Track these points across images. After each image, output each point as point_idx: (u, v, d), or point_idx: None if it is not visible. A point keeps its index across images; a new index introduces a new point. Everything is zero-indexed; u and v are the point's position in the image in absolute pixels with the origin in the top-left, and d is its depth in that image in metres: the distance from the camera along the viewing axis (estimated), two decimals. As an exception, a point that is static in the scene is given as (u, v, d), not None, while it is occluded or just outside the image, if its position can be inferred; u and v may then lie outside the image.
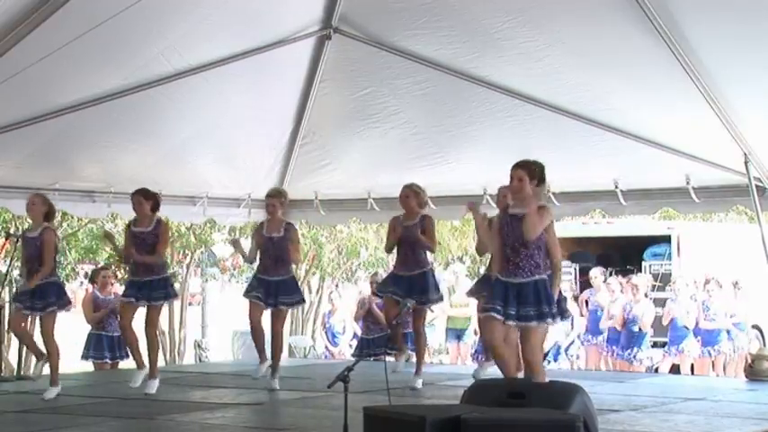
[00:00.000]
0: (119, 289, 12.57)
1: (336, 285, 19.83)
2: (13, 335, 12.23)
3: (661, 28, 8.47)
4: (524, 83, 10.08)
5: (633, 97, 9.71)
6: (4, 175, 10.60)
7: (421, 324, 9.88)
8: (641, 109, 9.85)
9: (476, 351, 13.87)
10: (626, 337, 13.51)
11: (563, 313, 8.14)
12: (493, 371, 8.68)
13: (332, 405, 7.91)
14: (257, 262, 9.89)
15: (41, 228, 9.24)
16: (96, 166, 11.28)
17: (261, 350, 9.86)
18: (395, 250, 9.75)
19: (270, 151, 12.15)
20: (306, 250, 19.88)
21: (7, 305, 13.47)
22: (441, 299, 10.11)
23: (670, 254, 16.79)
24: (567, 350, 14.13)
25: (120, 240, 10.19)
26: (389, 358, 11.88)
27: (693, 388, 10.00)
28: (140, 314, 9.61)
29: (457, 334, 15.00)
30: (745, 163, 9.89)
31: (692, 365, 13.90)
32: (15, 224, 15.50)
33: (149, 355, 9.57)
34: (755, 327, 16.11)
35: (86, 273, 16.23)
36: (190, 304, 22.19)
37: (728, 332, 13.93)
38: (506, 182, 7.75)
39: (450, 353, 15.78)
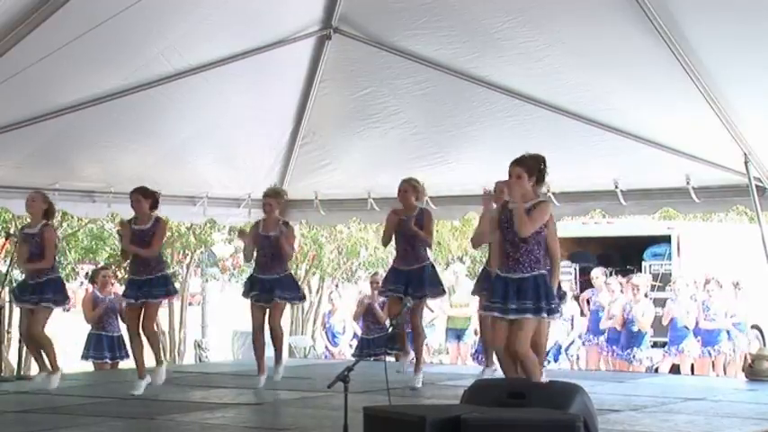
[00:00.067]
0: (119, 289, 12.58)
1: (336, 285, 19.84)
2: (11, 335, 12.25)
3: (661, 28, 8.47)
4: (524, 83, 10.08)
5: (633, 97, 9.71)
6: (4, 175, 10.60)
7: (418, 319, 9.80)
8: (641, 109, 9.85)
9: (476, 351, 13.87)
10: (626, 336, 13.52)
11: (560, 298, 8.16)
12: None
13: (332, 405, 7.90)
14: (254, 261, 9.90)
15: (41, 225, 9.26)
16: (96, 166, 11.28)
17: (260, 361, 9.81)
18: (394, 246, 9.73)
19: (270, 151, 12.15)
20: (306, 250, 19.91)
21: (7, 305, 13.50)
22: (441, 293, 10.02)
23: (670, 254, 16.79)
24: (567, 350, 14.14)
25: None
26: (390, 358, 11.89)
27: (693, 388, 9.99)
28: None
29: (457, 334, 14.99)
30: (745, 163, 9.89)
31: (692, 365, 13.90)
32: (15, 224, 15.50)
33: (151, 348, 9.58)
34: (755, 327, 16.11)
35: (87, 273, 16.22)
36: (190, 304, 22.20)
37: (728, 332, 13.93)
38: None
39: (450, 353, 15.77)
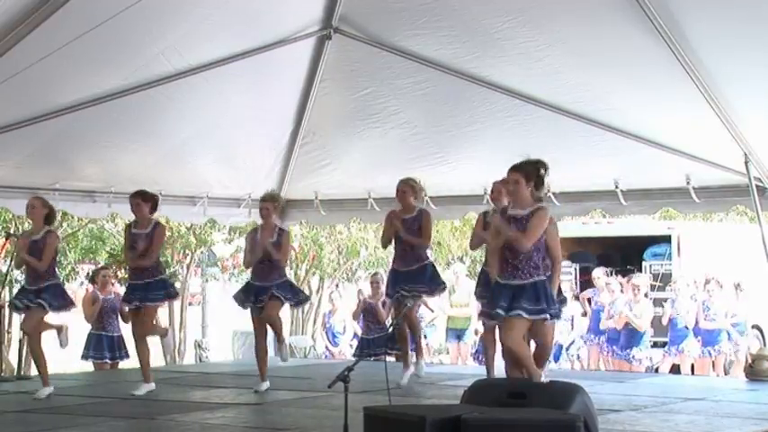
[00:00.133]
0: (119, 289, 12.59)
1: (337, 285, 19.84)
2: (11, 335, 12.24)
3: (661, 28, 8.47)
4: (524, 83, 10.07)
5: (633, 97, 9.71)
6: (4, 175, 10.59)
7: (414, 313, 9.89)
8: (641, 109, 9.84)
9: (476, 351, 13.88)
10: (625, 336, 13.52)
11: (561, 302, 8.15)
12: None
13: (332, 405, 7.90)
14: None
15: (44, 231, 9.23)
16: (96, 166, 11.28)
17: (262, 369, 9.76)
18: (393, 246, 9.73)
19: (270, 151, 12.15)
20: (306, 250, 19.91)
21: (7, 305, 13.50)
22: (441, 290, 10.02)
23: (670, 254, 16.79)
24: (567, 350, 14.14)
25: None
26: (390, 358, 11.88)
27: (693, 388, 9.99)
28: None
29: (457, 334, 15.00)
30: (746, 163, 9.89)
31: (693, 365, 13.90)
32: (15, 224, 15.52)
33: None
34: (755, 327, 16.11)
35: (88, 273, 16.22)
36: (190, 304, 22.21)
37: (728, 332, 13.94)
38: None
39: (450, 353, 15.78)
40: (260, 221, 9.94)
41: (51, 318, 9.57)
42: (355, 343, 14.08)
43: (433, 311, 14.93)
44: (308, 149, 12.11)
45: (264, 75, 10.71)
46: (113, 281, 12.85)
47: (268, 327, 9.74)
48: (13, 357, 14.87)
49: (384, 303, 12.67)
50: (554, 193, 10.96)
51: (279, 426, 7.99)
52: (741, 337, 14.22)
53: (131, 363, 11.66)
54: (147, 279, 9.36)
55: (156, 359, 9.72)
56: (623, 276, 15.21)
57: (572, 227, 17.50)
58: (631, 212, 11.81)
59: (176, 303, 18.62)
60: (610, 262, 16.76)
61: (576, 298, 14.99)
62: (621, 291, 13.99)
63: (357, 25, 10.35)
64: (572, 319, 14.14)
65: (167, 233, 15.12)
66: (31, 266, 9.23)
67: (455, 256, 22.12)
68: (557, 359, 13.63)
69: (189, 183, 12.18)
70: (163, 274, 9.62)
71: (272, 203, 9.74)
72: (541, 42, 9.37)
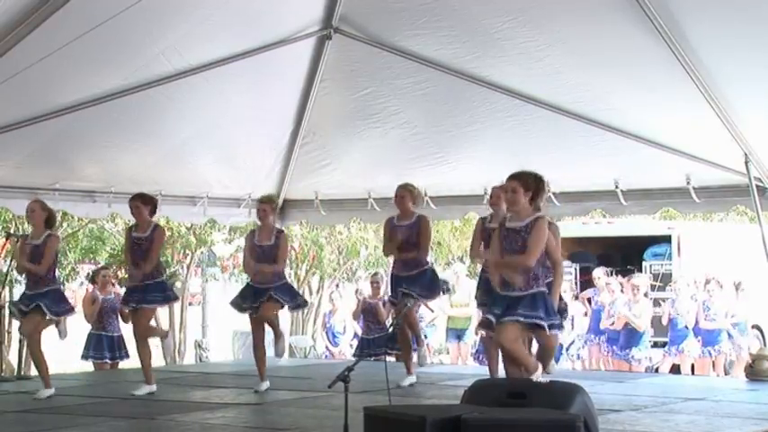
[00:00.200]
0: (119, 289, 12.58)
1: (337, 285, 19.84)
2: (11, 335, 12.24)
3: (661, 27, 8.47)
4: (525, 83, 10.07)
5: (633, 97, 9.70)
6: (4, 175, 10.59)
7: (413, 314, 9.95)
8: (641, 109, 9.84)
9: (476, 351, 13.89)
10: (625, 336, 13.53)
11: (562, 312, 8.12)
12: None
13: (332, 405, 7.91)
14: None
15: (45, 235, 9.21)
16: (96, 166, 11.28)
17: (261, 369, 9.75)
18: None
19: (270, 151, 12.15)
20: (306, 251, 19.91)
21: (7, 305, 13.50)
22: (437, 296, 10.14)
23: (670, 254, 16.79)
24: (567, 350, 14.14)
25: None
26: (390, 358, 11.89)
27: (694, 388, 9.99)
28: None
29: (457, 334, 15.02)
30: (746, 163, 9.88)
31: (693, 365, 13.90)
32: (15, 224, 15.52)
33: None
34: (755, 327, 16.11)
35: (88, 273, 16.23)
36: (190, 304, 22.22)
37: (729, 333, 13.94)
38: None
39: (450, 353, 15.78)
40: (251, 230, 9.96)
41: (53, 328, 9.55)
42: (355, 343, 14.09)
43: (433, 311, 14.93)
44: (309, 149, 12.11)
45: (265, 75, 10.70)
46: (113, 281, 12.84)
47: (266, 327, 9.74)
48: (13, 357, 14.87)
49: (384, 303, 12.69)
50: (554, 193, 10.97)
51: (279, 426, 8.00)
52: (743, 333, 14.23)
53: (131, 363, 11.66)
54: (146, 281, 9.35)
55: (157, 360, 9.71)
56: (623, 276, 15.22)
57: (572, 227, 17.52)
58: (631, 212, 11.81)
59: (176, 303, 18.61)
60: (610, 262, 16.76)
61: (576, 298, 15.00)
62: (621, 291, 14.00)
63: (357, 25, 10.35)
64: (572, 319, 14.13)
65: (167, 233, 15.15)
66: (32, 272, 9.24)
67: (455, 256, 22.12)
68: (557, 359, 13.61)
69: (189, 183, 12.17)
70: (162, 276, 9.61)
71: (269, 205, 9.73)
72: (541, 42, 9.37)
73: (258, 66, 10.37)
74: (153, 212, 9.54)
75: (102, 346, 12.12)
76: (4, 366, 13.38)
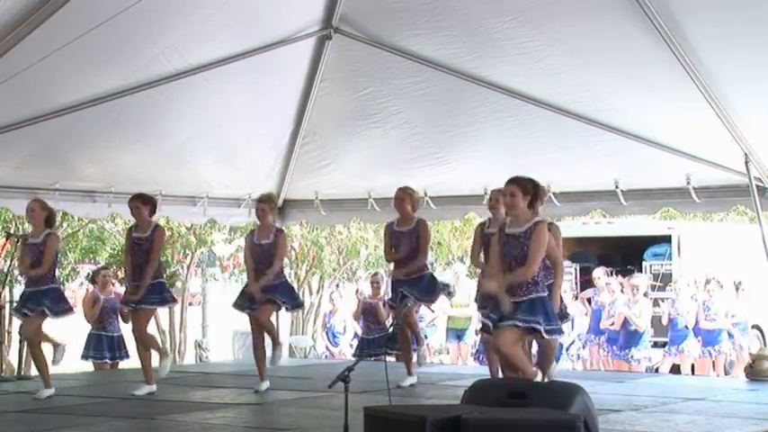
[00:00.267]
0: (119, 289, 12.58)
1: (337, 285, 19.84)
2: (11, 335, 12.23)
3: (661, 27, 8.47)
4: (525, 83, 10.07)
5: (633, 97, 9.70)
6: (4, 175, 10.59)
7: (412, 314, 9.98)
8: (641, 109, 9.84)
9: (476, 351, 13.88)
10: (624, 336, 13.53)
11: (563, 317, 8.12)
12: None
13: (332, 405, 7.91)
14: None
15: (44, 234, 9.21)
16: (96, 166, 11.28)
17: (261, 369, 9.75)
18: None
19: (270, 151, 12.15)
20: (306, 251, 19.90)
21: (8, 305, 13.50)
22: (433, 300, 10.21)
23: (670, 254, 16.79)
24: (567, 350, 14.14)
25: None
26: (390, 358, 11.89)
27: (694, 388, 9.99)
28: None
29: (457, 334, 15.02)
30: (746, 163, 9.88)
31: (693, 365, 13.90)
32: (15, 224, 15.52)
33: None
34: (756, 327, 16.11)
35: (88, 273, 16.23)
36: (190, 304, 22.21)
37: (730, 333, 13.94)
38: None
39: (450, 353, 15.78)
40: (251, 230, 9.96)
41: (53, 329, 9.54)
42: (355, 343, 14.09)
43: (433, 311, 14.93)
44: (309, 149, 12.11)
45: (265, 75, 10.70)
46: (113, 281, 12.84)
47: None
48: (13, 357, 14.86)
49: (384, 304, 12.68)
50: (554, 193, 10.97)
51: (279, 426, 8.00)
52: (743, 333, 14.23)
53: (131, 363, 11.66)
54: (143, 282, 9.34)
55: (156, 361, 9.70)
56: (623, 276, 15.22)
57: (572, 227, 17.50)
58: (631, 212, 11.82)
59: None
60: (610, 262, 16.76)
61: (576, 298, 15.00)
62: (621, 291, 14.00)
63: (357, 25, 10.35)
64: (572, 320, 14.13)
65: (167, 233, 15.15)
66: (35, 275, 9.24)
67: (455, 256, 22.12)
68: (557, 359, 13.61)
69: (189, 183, 12.17)
70: (161, 276, 9.60)
71: (268, 204, 9.73)
72: (541, 42, 9.37)
73: (258, 66, 10.38)
74: (153, 212, 9.53)
75: (103, 346, 12.12)
76: (4, 366, 13.38)
